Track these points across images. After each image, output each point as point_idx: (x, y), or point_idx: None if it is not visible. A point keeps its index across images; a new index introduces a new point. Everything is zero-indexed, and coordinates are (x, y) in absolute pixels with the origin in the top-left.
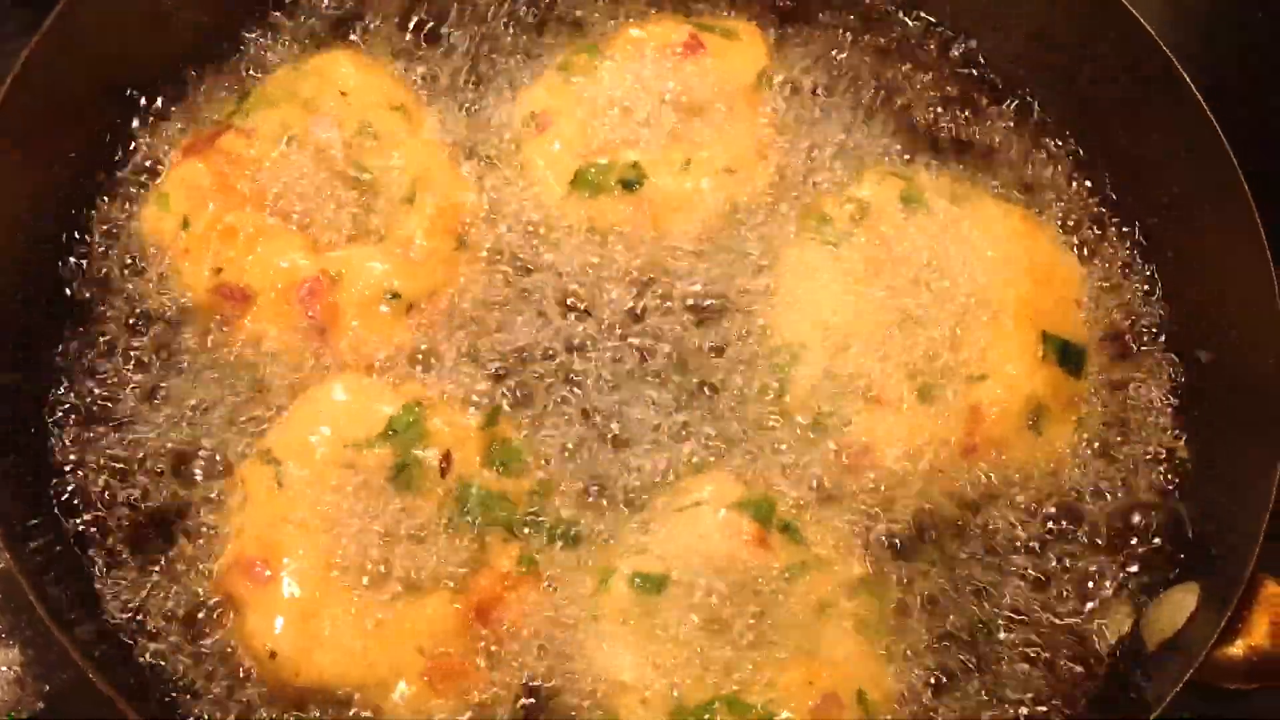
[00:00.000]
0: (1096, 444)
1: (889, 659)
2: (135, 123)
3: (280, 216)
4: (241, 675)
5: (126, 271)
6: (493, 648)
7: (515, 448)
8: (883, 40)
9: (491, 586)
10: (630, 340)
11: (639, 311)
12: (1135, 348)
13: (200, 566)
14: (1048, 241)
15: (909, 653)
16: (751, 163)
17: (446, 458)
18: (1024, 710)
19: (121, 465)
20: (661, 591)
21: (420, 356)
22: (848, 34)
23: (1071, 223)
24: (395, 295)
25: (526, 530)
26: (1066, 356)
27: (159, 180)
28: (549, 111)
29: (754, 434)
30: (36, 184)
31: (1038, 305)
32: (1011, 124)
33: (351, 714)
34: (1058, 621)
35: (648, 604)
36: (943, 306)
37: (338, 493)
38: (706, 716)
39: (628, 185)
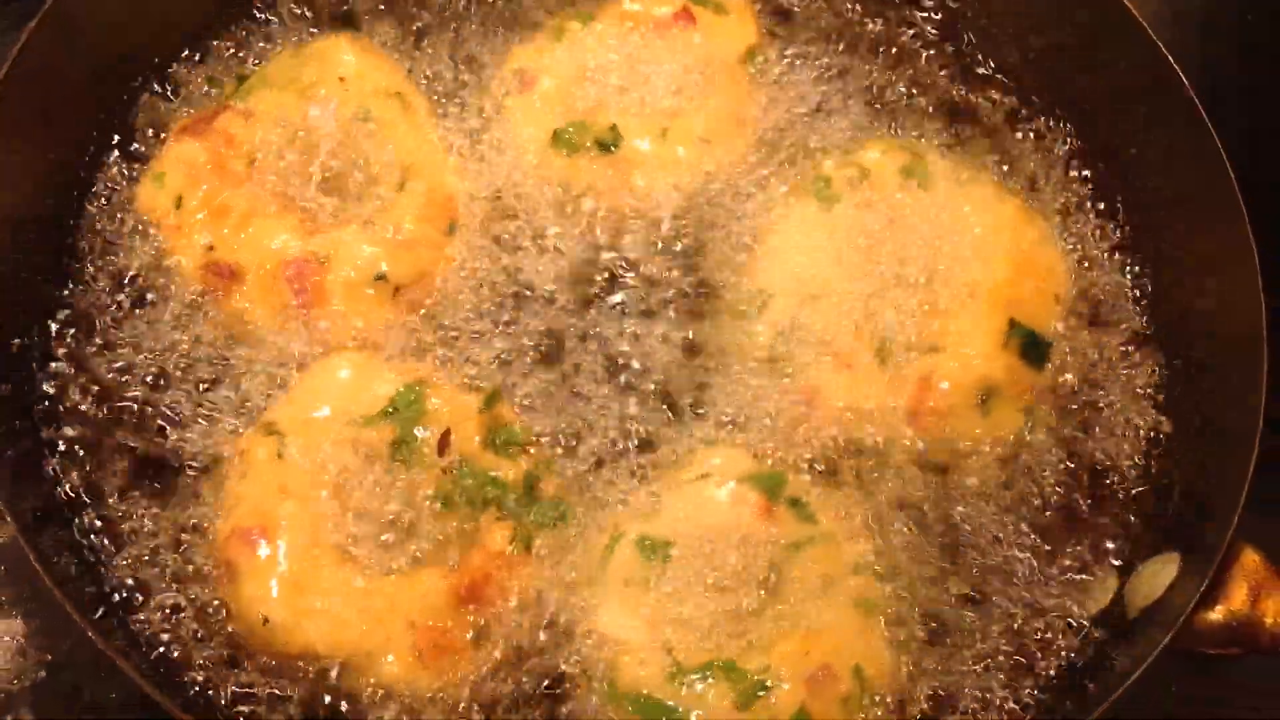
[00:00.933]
0: (1080, 419)
1: (887, 636)
2: (133, 104)
3: (273, 197)
4: (236, 642)
5: (121, 248)
6: (486, 619)
7: (514, 429)
8: (881, 32)
9: (484, 565)
10: (612, 305)
11: (620, 277)
12: (1119, 328)
13: (198, 535)
14: (1038, 234)
15: (905, 628)
16: (730, 134)
17: (445, 437)
18: (1005, 676)
19: (116, 437)
20: (666, 556)
21: (407, 338)
22: (843, 20)
23: (1070, 222)
24: (382, 278)
25: (520, 511)
26: (1030, 347)
27: (155, 159)
28: (534, 70)
29: (717, 375)
30: (35, 163)
31: (1013, 293)
32: (1008, 116)
33: (340, 683)
34: (1043, 591)
35: (652, 568)
36: (918, 277)
37: (337, 467)
38: (701, 679)
39: (604, 147)
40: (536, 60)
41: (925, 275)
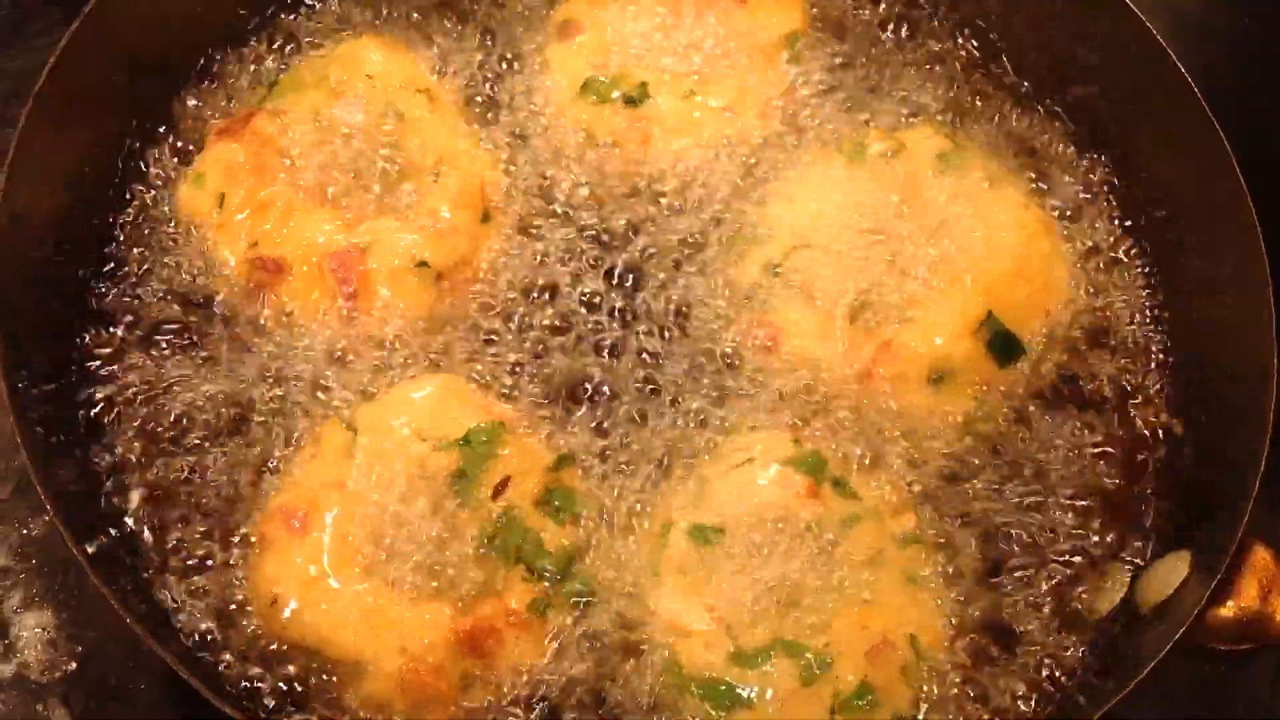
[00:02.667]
0: (1092, 420)
1: (939, 606)
2: (172, 106)
3: (311, 193)
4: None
5: (164, 249)
6: (477, 671)
7: (573, 496)
8: (921, 42)
9: (494, 618)
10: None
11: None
12: (1130, 334)
13: (238, 527)
14: (1050, 248)
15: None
16: (751, 110)
17: (503, 483)
18: (1016, 670)
19: (156, 427)
20: (718, 542)
21: (448, 325)
22: (887, 25)
23: (1086, 231)
24: (424, 264)
25: (549, 580)
26: (1000, 344)
27: (195, 162)
28: (580, 21)
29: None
30: (74, 168)
31: (1004, 291)
32: (1034, 128)
33: (319, 681)
34: (1054, 588)
35: (705, 555)
36: (917, 255)
37: (395, 479)
38: (765, 659)
39: (630, 101)
40: (585, 12)
41: (924, 255)
